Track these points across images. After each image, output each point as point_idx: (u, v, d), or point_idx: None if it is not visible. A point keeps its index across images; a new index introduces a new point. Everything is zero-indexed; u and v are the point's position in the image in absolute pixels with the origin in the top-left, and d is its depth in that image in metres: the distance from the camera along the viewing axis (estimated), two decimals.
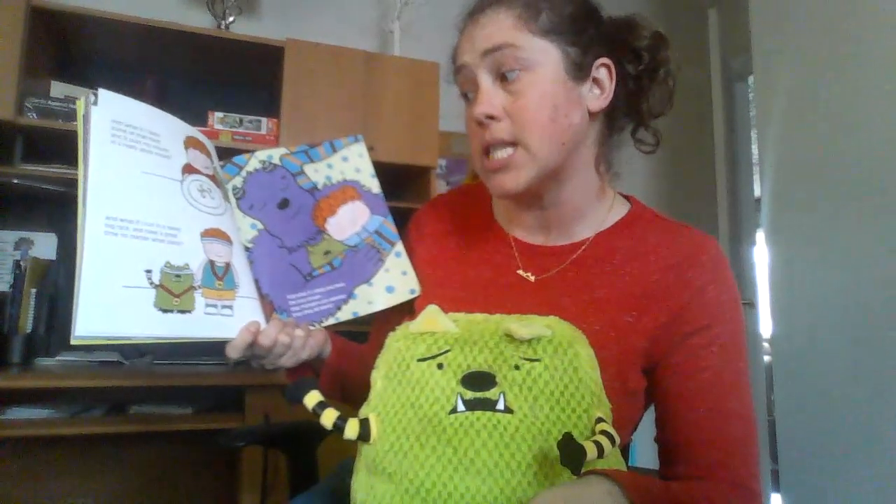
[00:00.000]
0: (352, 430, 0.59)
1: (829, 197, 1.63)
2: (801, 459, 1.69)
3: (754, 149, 2.28)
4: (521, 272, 0.77)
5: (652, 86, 0.75)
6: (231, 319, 0.68)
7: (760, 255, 2.27)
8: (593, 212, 0.77)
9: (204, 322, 0.65)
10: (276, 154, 0.82)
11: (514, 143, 0.69)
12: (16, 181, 1.80)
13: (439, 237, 0.85)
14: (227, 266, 0.70)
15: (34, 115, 1.74)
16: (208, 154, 0.76)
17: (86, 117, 0.63)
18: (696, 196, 2.59)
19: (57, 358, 1.84)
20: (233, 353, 0.68)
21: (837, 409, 1.57)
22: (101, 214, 0.60)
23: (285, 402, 0.63)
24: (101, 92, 0.65)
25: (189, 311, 0.64)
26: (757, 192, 2.43)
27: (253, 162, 0.81)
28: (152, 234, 0.63)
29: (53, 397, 1.72)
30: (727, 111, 2.46)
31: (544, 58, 0.68)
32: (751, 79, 1.95)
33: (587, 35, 0.71)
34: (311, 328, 0.76)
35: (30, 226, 2.00)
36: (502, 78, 0.69)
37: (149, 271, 0.62)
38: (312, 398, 0.61)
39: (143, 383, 1.76)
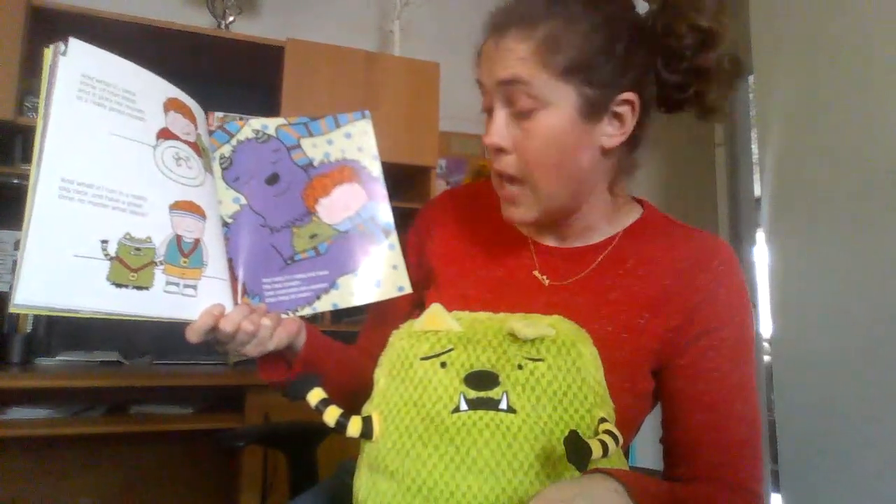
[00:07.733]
0: (354, 427, 0.59)
1: (829, 197, 1.63)
2: (801, 459, 1.68)
3: (754, 149, 2.28)
4: (536, 273, 0.76)
5: (705, 85, 0.70)
6: (193, 300, 0.63)
7: (760, 255, 2.27)
8: (607, 222, 0.77)
9: (162, 301, 0.60)
10: (272, 124, 0.76)
11: (521, 181, 0.69)
12: (16, 181, 1.80)
13: (453, 232, 0.83)
14: (197, 242, 0.64)
15: (34, 115, 1.74)
16: (193, 119, 0.70)
17: (52, 69, 0.57)
18: (696, 196, 2.59)
19: (57, 358, 1.84)
20: (192, 336, 0.63)
21: (837, 409, 1.57)
22: (57, 176, 0.55)
23: (285, 400, 0.62)
24: (73, 41, 0.58)
25: (146, 288, 0.59)
26: (757, 192, 2.42)
27: (246, 130, 0.75)
28: (113, 202, 0.58)
29: (53, 397, 1.72)
30: (727, 111, 2.46)
31: (558, 99, 0.65)
32: (751, 79, 1.95)
33: (609, 70, 0.65)
34: (284, 317, 0.70)
35: None
36: (517, 110, 0.66)
37: (105, 242, 0.57)
38: (315, 395, 0.60)
39: (143, 383, 1.76)
